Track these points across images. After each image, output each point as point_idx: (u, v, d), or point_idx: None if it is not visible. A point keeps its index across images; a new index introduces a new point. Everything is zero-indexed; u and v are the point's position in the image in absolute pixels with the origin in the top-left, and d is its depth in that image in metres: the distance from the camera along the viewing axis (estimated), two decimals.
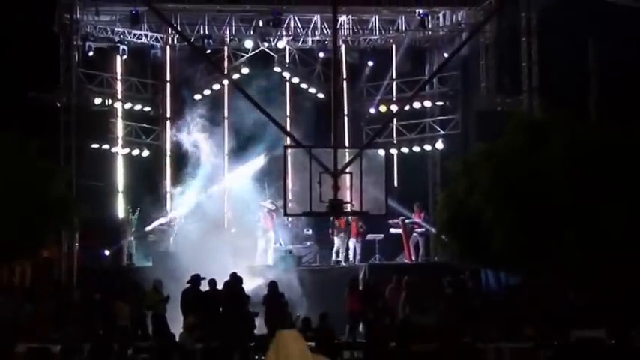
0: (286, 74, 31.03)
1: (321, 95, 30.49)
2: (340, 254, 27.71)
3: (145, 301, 22.70)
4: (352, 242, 27.65)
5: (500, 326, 21.32)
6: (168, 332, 21.38)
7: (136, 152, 30.33)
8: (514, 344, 19.88)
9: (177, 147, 30.30)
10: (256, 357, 19.75)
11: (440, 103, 31.06)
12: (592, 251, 18.15)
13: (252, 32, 30.09)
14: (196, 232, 27.38)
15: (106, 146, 28.82)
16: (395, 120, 30.29)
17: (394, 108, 30.46)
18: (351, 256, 27.61)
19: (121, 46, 29.46)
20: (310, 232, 29.08)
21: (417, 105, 30.37)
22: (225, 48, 30.69)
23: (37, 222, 19.75)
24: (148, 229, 28.61)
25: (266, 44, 30.28)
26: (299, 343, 6.46)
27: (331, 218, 26.24)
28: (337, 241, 27.88)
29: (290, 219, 27.71)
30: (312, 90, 30.79)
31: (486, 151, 19.88)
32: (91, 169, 26.97)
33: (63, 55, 27.15)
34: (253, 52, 30.33)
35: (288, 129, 26.53)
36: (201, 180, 28.87)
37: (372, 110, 31.24)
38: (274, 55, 30.68)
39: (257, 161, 29.14)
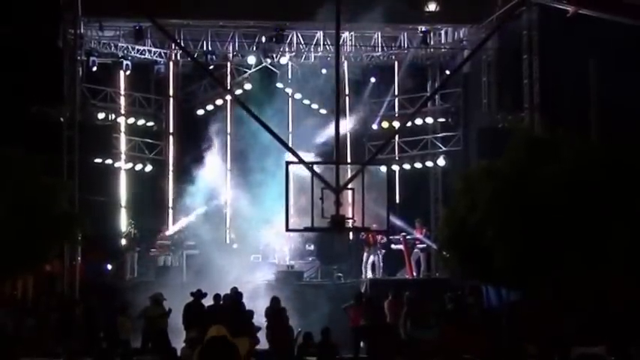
0: (289, 90, 31.11)
1: (323, 111, 30.54)
2: (370, 267, 27.72)
3: (146, 314, 22.74)
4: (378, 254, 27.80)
5: (501, 342, 21.34)
6: (169, 346, 21.38)
7: (139, 167, 30.41)
8: None
9: (180, 162, 30.43)
10: None
11: (442, 119, 31.14)
12: (593, 268, 18.17)
13: (255, 48, 30.22)
14: (198, 247, 27.48)
15: (109, 161, 28.94)
16: (397, 136, 30.39)
17: (396, 124, 30.59)
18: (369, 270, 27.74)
19: (125, 62, 29.57)
20: (312, 247, 29.10)
21: (419, 121, 30.43)
22: (228, 64, 30.83)
23: (40, 236, 19.74)
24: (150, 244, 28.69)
25: (269, 60, 30.43)
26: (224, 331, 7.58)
27: (362, 234, 26.29)
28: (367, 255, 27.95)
29: (291, 234, 27.73)
30: (315, 106, 30.83)
31: (488, 167, 19.91)
32: (94, 183, 27.01)
33: (66, 70, 27.22)
34: (256, 68, 30.46)
35: (291, 145, 26.53)
36: (204, 195, 28.94)
37: (375, 126, 31.34)
38: (277, 70, 30.82)
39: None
